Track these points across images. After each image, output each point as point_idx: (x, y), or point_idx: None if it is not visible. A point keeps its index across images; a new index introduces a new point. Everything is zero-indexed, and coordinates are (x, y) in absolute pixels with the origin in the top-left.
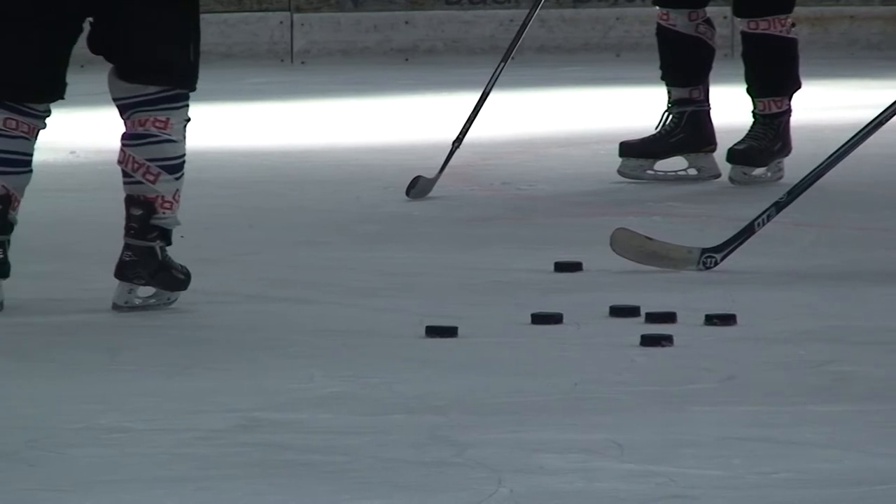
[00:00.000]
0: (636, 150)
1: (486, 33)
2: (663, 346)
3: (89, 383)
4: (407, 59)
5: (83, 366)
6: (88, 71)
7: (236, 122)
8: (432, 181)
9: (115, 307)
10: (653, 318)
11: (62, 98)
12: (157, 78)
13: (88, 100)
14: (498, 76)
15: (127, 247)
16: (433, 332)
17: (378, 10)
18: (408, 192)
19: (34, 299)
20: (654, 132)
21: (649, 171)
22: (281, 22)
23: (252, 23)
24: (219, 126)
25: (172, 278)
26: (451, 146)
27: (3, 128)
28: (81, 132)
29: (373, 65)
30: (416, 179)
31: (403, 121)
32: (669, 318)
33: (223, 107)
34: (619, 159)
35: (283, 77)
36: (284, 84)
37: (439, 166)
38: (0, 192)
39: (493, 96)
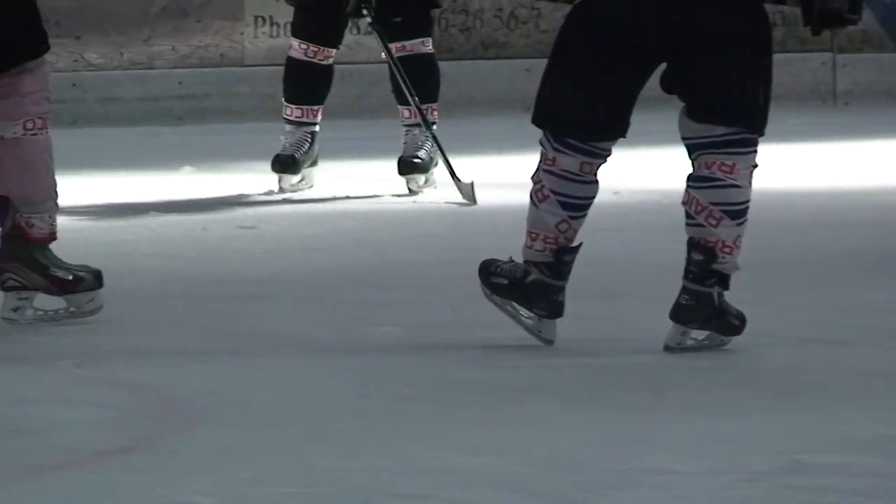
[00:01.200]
0: None
1: None
2: None
3: (635, 424)
4: None
5: (630, 406)
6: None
7: (779, 164)
8: None
9: (668, 349)
10: None
11: (624, 137)
12: (726, 119)
13: (634, 140)
14: None
15: (684, 290)
16: None
17: None
18: None
19: (581, 339)
20: None
21: None
22: (823, 63)
23: (794, 63)
24: (761, 167)
25: (727, 324)
26: None
27: (578, 172)
28: (624, 172)
29: None
30: None
31: None
32: None
33: (765, 147)
34: None
35: (825, 118)
36: (827, 125)
37: None
38: (574, 240)
39: None
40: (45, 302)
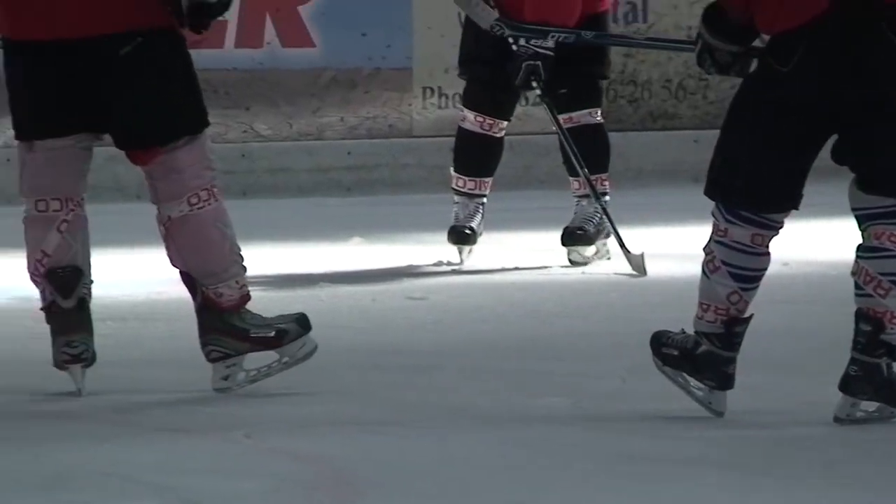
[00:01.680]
0: None
1: None
2: None
3: (806, 497)
4: None
5: (800, 479)
6: None
7: None
8: None
9: (837, 420)
10: None
11: (797, 209)
12: (895, 190)
13: (804, 211)
14: None
15: (853, 361)
16: None
17: None
18: None
19: (751, 411)
20: None
21: None
22: None
23: None
24: None
25: None
26: None
27: (750, 244)
28: (795, 243)
29: None
30: None
31: None
32: None
33: None
34: None
35: None
36: None
37: None
38: (746, 312)
39: None
40: (255, 359)
